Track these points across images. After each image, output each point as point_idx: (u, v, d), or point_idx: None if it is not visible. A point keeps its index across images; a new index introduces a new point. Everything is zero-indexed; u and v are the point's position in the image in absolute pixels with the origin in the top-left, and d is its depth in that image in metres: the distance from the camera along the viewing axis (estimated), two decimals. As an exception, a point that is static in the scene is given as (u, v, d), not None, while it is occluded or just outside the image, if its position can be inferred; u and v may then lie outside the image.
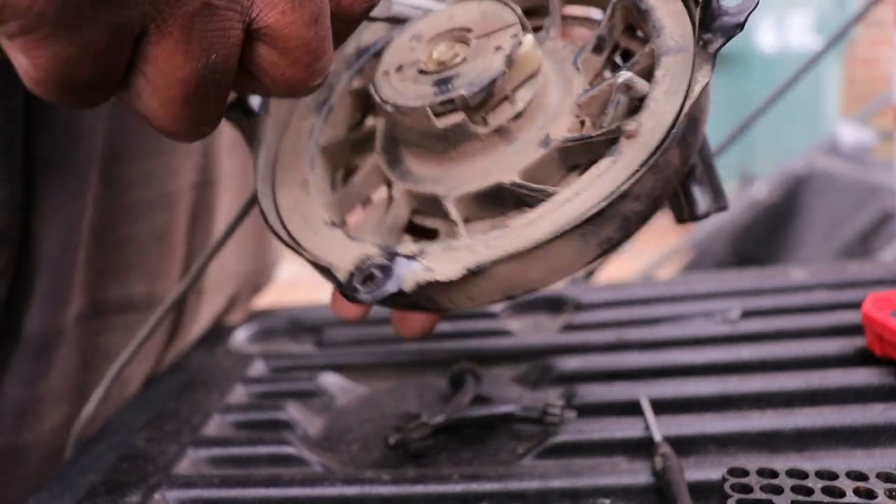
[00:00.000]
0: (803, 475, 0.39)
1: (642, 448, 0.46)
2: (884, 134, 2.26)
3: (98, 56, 0.30)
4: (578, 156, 0.38)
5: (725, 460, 0.44)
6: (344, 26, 0.35)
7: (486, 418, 0.50)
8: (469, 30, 0.40)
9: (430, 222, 0.42)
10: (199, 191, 0.65)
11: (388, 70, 0.41)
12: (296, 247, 0.40)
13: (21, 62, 0.30)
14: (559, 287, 0.75)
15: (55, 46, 0.29)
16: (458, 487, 0.44)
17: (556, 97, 0.40)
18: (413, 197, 0.41)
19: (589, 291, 0.71)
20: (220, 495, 0.45)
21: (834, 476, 0.39)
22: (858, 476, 0.39)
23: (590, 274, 1.13)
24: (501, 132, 0.39)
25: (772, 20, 4.00)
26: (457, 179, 0.40)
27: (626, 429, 0.47)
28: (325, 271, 0.38)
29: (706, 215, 0.43)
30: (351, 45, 0.47)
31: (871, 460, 0.42)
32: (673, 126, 0.35)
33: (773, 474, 0.39)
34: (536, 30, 0.43)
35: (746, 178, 3.05)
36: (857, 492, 0.38)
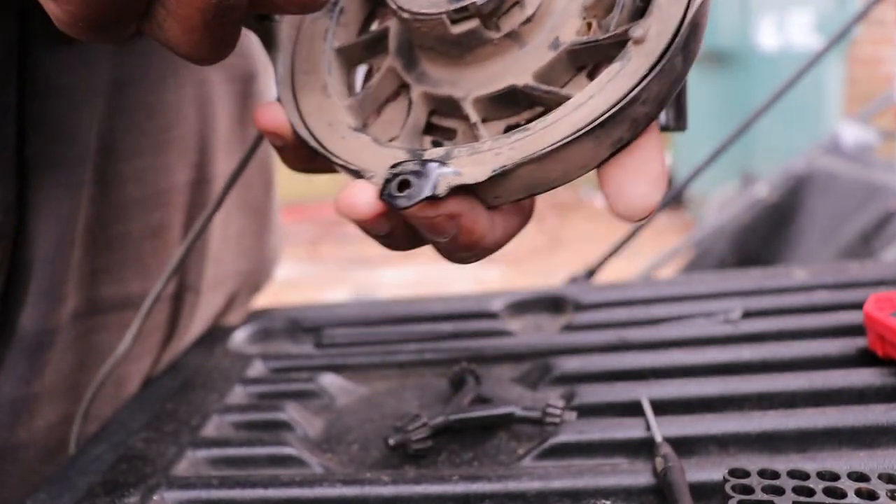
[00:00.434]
0: (805, 476, 0.39)
1: (643, 449, 0.46)
2: (886, 133, 2.26)
3: None
4: (586, 57, 0.40)
5: (727, 461, 0.44)
6: None
7: (487, 419, 0.50)
8: None
9: (447, 122, 0.43)
10: (195, 188, 0.65)
11: None
12: (326, 153, 0.41)
13: (50, 7, 0.33)
14: (560, 288, 0.75)
15: None
16: (458, 488, 0.44)
17: (563, 0, 0.41)
18: (431, 99, 0.43)
19: (589, 292, 0.71)
20: (220, 496, 0.45)
21: (836, 477, 0.39)
22: (860, 477, 0.38)
23: (591, 273, 1.13)
24: (513, 36, 0.40)
25: (773, 19, 4.00)
26: (473, 82, 0.41)
27: (627, 429, 0.47)
28: (358, 176, 0.39)
29: (664, 129, 0.45)
30: None
31: (874, 461, 0.42)
32: (677, 32, 0.36)
33: (775, 475, 0.39)
34: None
35: (748, 178, 3.05)
36: (858, 493, 0.37)
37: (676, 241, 2.05)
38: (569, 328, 0.65)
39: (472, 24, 0.39)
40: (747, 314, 0.62)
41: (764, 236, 2.00)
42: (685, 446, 0.45)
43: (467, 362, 0.56)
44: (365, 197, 0.37)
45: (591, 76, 0.40)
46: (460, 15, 0.39)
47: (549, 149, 0.36)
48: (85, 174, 0.56)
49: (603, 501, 0.42)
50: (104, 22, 0.34)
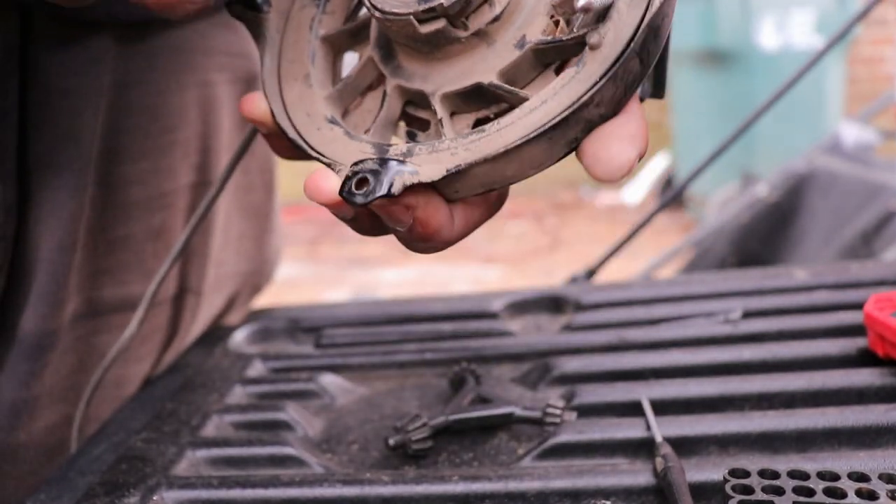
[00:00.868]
0: (805, 476, 0.39)
1: (643, 449, 0.46)
2: (886, 133, 2.26)
3: None
4: (552, 56, 0.41)
5: (727, 461, 0.44)
6: None
7: (487, 419, 0.50)
8: None
9: (422, 114, 0.45)
10: (197, 191, 0.65)
11: None
12: (302, 143, 0.43)
13: None
14: (560, 288, 0.75)
15: None
16: (459, 488, 0.44)
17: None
18: (405, 91, 0.44)
19: (589, 292, 0.71)
20: (219, 496, 0.45)
21: (836, 477, 0.39)
22: (860, 477, 0.38)
23: (591, 274, 1.13)
24: (481, 35, 0.41)
25: (773, 19, 4.00)
26: (443, 78, 0.42)
27: (627, 429, 0.47)
28: (329, 168, 0.41)
29: (640, 100, 0.46)
30: None
31: (874, 461, 0.42)
32: (633, 38, 0.37)
33: (775, 475, 0.39)
34: None
35: (748, 178, 3.04)
36: (858, 493, 0.37)
37: (676, 241, 2.05)
38: (569, 328, 0.65)
39: (440, 24, 0.40)
40: (747, 314, 0.61)
41: (764, 236, 2.00)
42: (685, 446, 0.45)
43: (467, 362, 0.56)
44: (328, 185, 0.39)
45: (559, 72, 0.41)
46: (428, 15, 0.40)
47: (501, 150, 0.38)
48: (88, 176, 0.55)
49: (603, 501, 0.42)
50: None
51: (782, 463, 0.43)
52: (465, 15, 0.41)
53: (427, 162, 0.39)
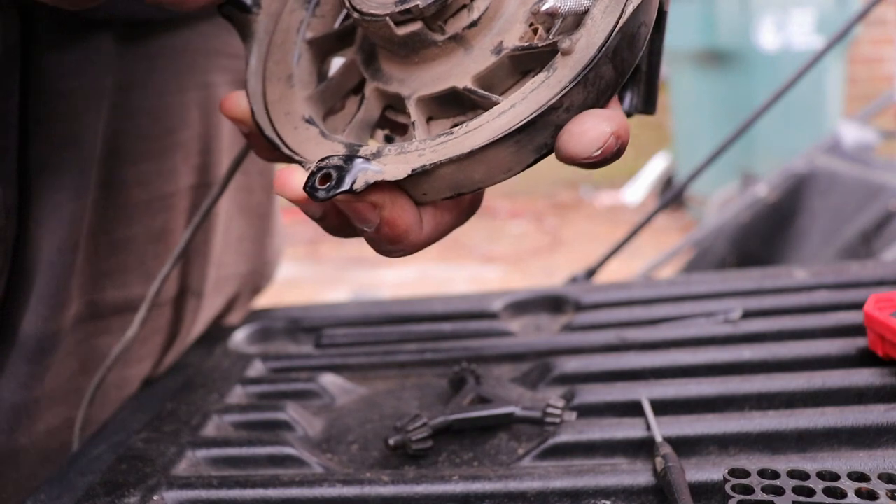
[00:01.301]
0: (805, 476, 0.39)
1: (643, 449, 0.46)
2: (886, 133, 2.26)
3: None
4: (529, 63, 0.41)
5: (727, 461, 0.44)
6: None
7: (487, 419, 0.50)
8: None
9: (400, 118, 0.45)
10: (198, 192, 0.65)
11: None
12: (277, 141, 0.43)
13: None
14: (560, 288, 0.75)
15: None
16: (459, 488, 0.44)
17: (513, 5, 0.42)
18: (384, 95, 0.44)
19: (589, 292, 0.71)
20: (219, 496, 0.45)
21: (835, 477, 0.39)
22: (860, 477, 0.38)
23: (591, 273, 1.13)
24: (458, 39, 0.41)
25: (773, 19, 4.00)
26: (419, 82, 0.42)
27: (627, 429, 0.47)
28: (299, 165, 0.42)
29: (627, 115, 0.48)
30: None
31: (873, 461, 0.42)
32: (604, 44, 0.37)
33: (775, 475, 0.39)
34: None
35: (748, 178, 3.04)
36: (858, 493, 0.37)
37: (676, 241, 2.05)
38: (569, 328, 0.65)
39: (416, 26, 0.40)
40: (747, 314, 0.61)
41: (764, 236, 2.00)
42: (685, 446, 0.45)
43: (467, 362, 0.56)
44: (295, 181, 0.39)
45: None
46: (404, 17, 0.40)
47: (467, 152, 0.38)
48: (89, 178, 0.55)
49: (603, 501, 0.42)
50: None
51: (782, 463, 0.43)
52: (442, 18, 0.41)
53: (394, 162, 0.39)
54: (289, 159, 0.43)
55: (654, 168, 5.08)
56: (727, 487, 0.39)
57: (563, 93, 0.37)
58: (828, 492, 0.38)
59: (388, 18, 0.40)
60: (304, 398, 0.57)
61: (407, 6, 0.40)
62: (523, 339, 0.63)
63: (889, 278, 0.65)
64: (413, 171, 0.38)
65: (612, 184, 5.41)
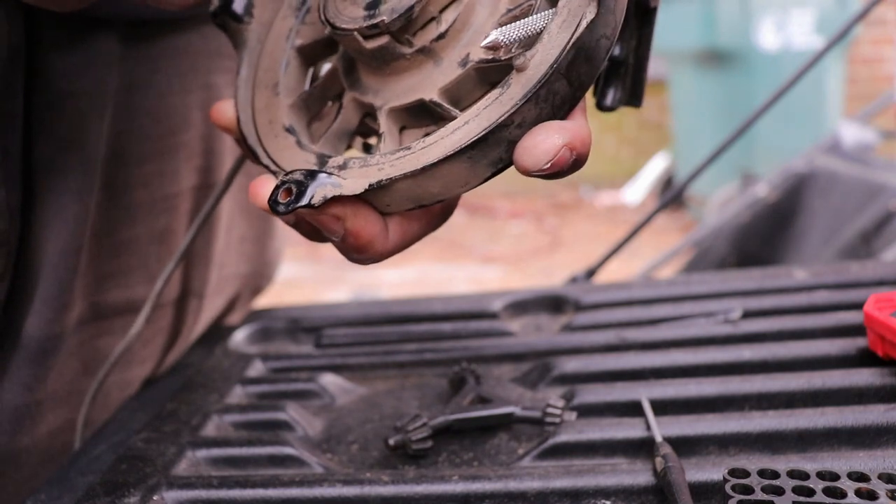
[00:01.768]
0: (805, 476, 0.39)
1: (643, 449, 0.46)
2: (886, 133, 2.26)
3: None
4: (495, 75, 0.41)
5: (726, 461, 0.44)
6: None
7: (487, 419, 0.50)
8: None
9: (377, 126, 0.45)
10: (200, 194, 0.65)
11: None
12: (257, 150, 0.44)
13: None
14: (560, 288, 0.75)
15: None
16: (459, 488, 0.44)
17: (483, 16, 0.42)
18: (360, 104, 0.45)
19: (589, 292, 0.71)
20: (219, 496, 0.45)
21: (835, 477, 0.39)
22: (860, 477, 0.38)
23: (591, 273, 1.13)
24: (426, 52, 0.42)
25: (773, 19, 4.00)
26: (391, 93, 0.43)
27: (627, 429, 0.47)
28: (273, 175, 0.43)
29: (610, 109, 0.49)
30: None
31: (873, 461, 0.42)
32: (556, 60, 0.38)
33: (775, 475, 0.39)
34: None
35: (748, 178, 3.04)
36: (858, 493, 0.37)
37: (676, 241, 2.05)
38: (569, 328, 0.65)
39: (383, 40, 0.41)
40: (747, 314, 0.61)
41: (764, 236, 2.00)
42: (685, 446, 0.45)
43: (467, 362, 0.56)
44: (265, 192, 0.41)
45: None
46: (372, 32, 0.41)
47: (420, 168, 0.39)
48: (93, 180, 0.55)
49: (603, 501, 0.42)
50: None
51: (782, 463, 0.43)
52: (410, 32, 0.41)
53: (356, 176, 0.40)
54: (267, 168, 0.44)
55: (654, 168, 5.09)
56: (727, 487, 0.39)
57: (513, 110, 0.38)
58: (828, 492, 0.38)
59: (356, 33, 0.41)
60: (304, 398, 0.57)
61: (374, 21, 0.40)
62: (523, 339, 0.63)
63: (889, 278, 0.65)
64: (370, 185, 0.39)
65: (612, 184, 5.41)
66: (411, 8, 0.40)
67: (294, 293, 3.50)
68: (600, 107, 0.49)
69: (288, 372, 0.62)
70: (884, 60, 5.02)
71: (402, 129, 0.43)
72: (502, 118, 0.38)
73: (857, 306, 0.55)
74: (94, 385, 0.56)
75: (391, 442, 0.48)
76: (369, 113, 0.45)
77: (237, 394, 0.58)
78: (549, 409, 0.49)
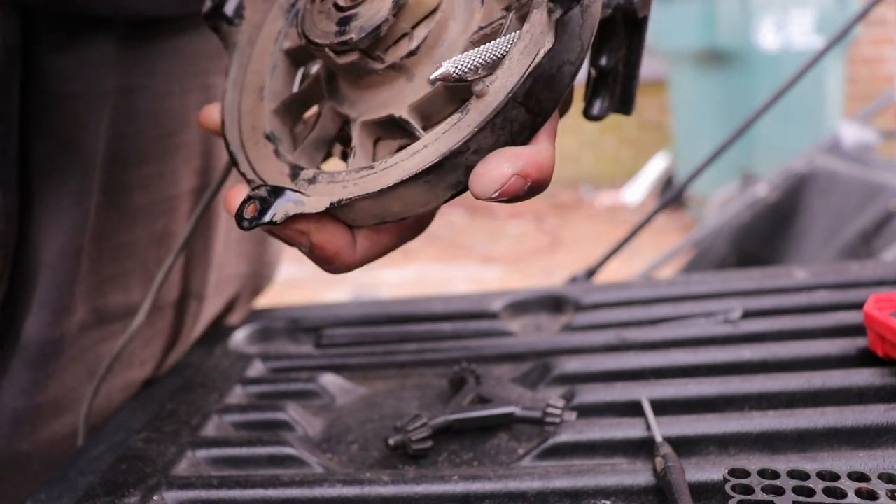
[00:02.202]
0: (805, 476, 0.39)
1: (643, 449, 0.46)
2: (886, 133, 2.26)
3: None
4: (464, 93, 0.41)
5: (727, 461, 0.44)
6: None
7: (487, 419, 0.50)
8: None
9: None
10: (199, 196, 0.65)
11: None
12: (240, 157, 0.45)
13: None
14: (560, 288, 0.75)
15: None
16: (459, 488, 0.44)
17: (455, 33, 0.42)
18: (337, 114, 0.45)
19: (589, 292, 0.71)
20: (219, 496, 0.45)
21: (835, 477, 0.39)
22: (860, 477, 0.38)
23: (591, 273, 1.13)
24: (397, 68, 0.42)
25: (773, 19, 4.00)
26: (366, 106, 0.43)
27: (627, 429, 0.47)
28: (249, 184, 0.43)
29: (597, 118, 0.49)
30: None
31: (873, 461, 0.42)
32: (512, 90, 0.38)
33: (775, 475, 0.39)
34: None
35: (748, 178, 3.04)
36: (858, 493, 0.37)
37: (676, 241, 2.04)
38: (569, 328, 0.65)
39: (353, 56, 0.41)
40: (747, 314, 0.61)
41: (764, 236, 2.00)
42: (685, 446, 0.45)
43: (467, 362, 0.56)
44: (235, 203, 0.42)
45: None
46: (342, 48, 0.41)
47: (378, 190, 0.39)
48: (92, 182, 0.55)
49: (603, 501, 0.42)
50: None
51: (782, 463, 0.43)
52: (381, 49, 0.41)
53: (321, 192, 0.41)
54: (244, 176, 0.44)
55: (654, 168, 5.09)
56: (727, 487, 0.39)
57: (468, 137, 0.38)
58: (828, 492, 0.38)
59: (327, 49, 0.41)
60: (304, 398, 0.57)
61: (343, 38, 0.41)
62: (523, 339, 0.63)
63: (889, 278, 0.65)
64: (332, 204, 0.40)
65: (612, 184, 5.41)
66: (378, 27, 0.40)
67: (294, 293, 3.50)
68: (587, 116, 0.49)
69: (288, 372, 0.62)
70: (884, 60, 5.02)
71: (376, 141, 0.44)
72: (457, 145, 0.38)
73: (857, 306, 0.55)
74: (94, 383, 0.56)
75: (391, 442, 0.48)
76: (347, 121, 0.45)
77: (237, 394, 0.58)
78: (549, 409, 0.49)
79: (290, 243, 0.42)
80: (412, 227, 0.45)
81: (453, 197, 0.40)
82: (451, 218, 5.07)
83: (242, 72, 0.48)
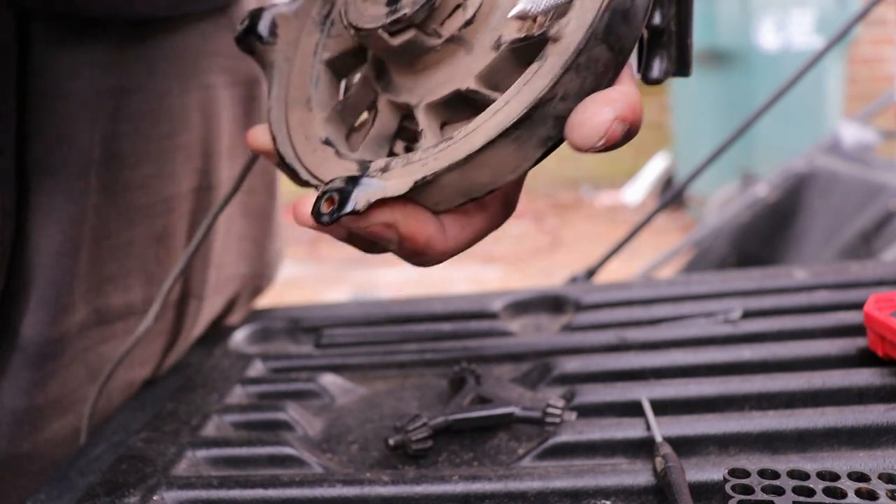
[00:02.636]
0: (805, 476, 0.39)
1: (643, 449, 0.46)
2: (886, 133, 2.26)
3: None
4: (531, 55, 0.39)
5: (727, 461, 0.44)
6: None
7: (487, 419, 0.50)
8: None
9: (416, 126, 0.44)
10: (199, 195, 0.65)
11: None
12: (297, 167, 0.43)
13: None
14: (560, 288, 0.75)
15: None
16: (459, 488, 0.44)
17: None
18: (396, 106, 0.43)
19: (590, 292, 0.71)
20: (219, 496, 0.45)
21: (836, 477, 0.39)
22: (860, 477, 0.38)
23: (591, 274, 1.13)
24: (456, 40, 0.40)
25: (773, 19, 4.00)
26: (425, 88, 0.41)
27: (627, 429, 0.47)
28: (316, 189, 0.41)
29: (657, 81, 0.46)
30: None
31: (873, 461, 0.42)
32: (591, 26, 0.36)
33: (775, 475, 0.39)
34: None
35: (748, 178, 3.04)
36: (858, 493, 0.37)
37: (676, 241, 2.04)
38: (569, 328, 0.65)
39: (410, 34, 0.40)
40: (747, 314, 0.61)
41: (764, 236, 2.00)
42: (685, 446, 0.45)
43: (467, 362, 0.56)
44: (307, 209, 0.39)
45: None
46: (396, 27, 0.39)
47: (465, 157, 0.37)
48: (88, 182, 0.55)
49: (603, 501, 0.42)
50: None
51: (782, 463, 0.43)
52: (436, 22, 0.40)
53: (399, 176, 0.38)
54: (308, 184, 0.42)
55: (654, 168, 5.09)
56: (727, 487, 0.39)
57: (554, 82, 0.36)
58: (828, 492, 0.38)
59: (380, 31, 0.39)
60: (304, 398, 0.58)
61: (396, 16, 0.39)
62: (523, 339, 0.63)
63: (889, 278, 0.65)
64: (416, 183, 0.37)
65: (612, 184, 5.41)
66: None
67: (294, 293, 3.50)
68: (647, 80, 0.46)
69: (288, 372, 0.62)
70: (884, 60, 5.02)
71: (443, 126, 0.42)
72: (543, 92, 0.36)
73: (857, 306, 0.55)
74: (97, 384, 0.56)
75: (391, 442, 0.48)
76: (407, 115, 0.44)
77: (237, 394, 0.58)
78: (549, 409, 0.49)
79: (377, 241, 0.39)
80: (501, 206, 0.42)
81: (543, 157, 0.38)
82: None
83: (284, 89, 0.47)
